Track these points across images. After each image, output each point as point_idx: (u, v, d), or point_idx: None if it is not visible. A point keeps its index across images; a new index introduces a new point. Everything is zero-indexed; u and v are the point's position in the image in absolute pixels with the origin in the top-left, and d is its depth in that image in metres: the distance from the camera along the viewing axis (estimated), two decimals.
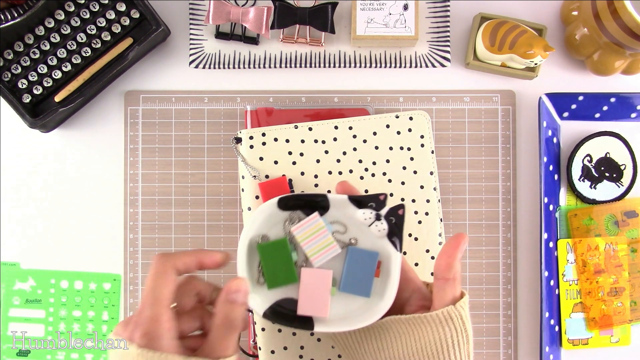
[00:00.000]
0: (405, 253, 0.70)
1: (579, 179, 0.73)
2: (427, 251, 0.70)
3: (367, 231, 0.57)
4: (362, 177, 0.70)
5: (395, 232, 0.56)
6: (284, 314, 0.56)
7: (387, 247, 0.56)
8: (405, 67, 0.73)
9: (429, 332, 0.51)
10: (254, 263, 0.57)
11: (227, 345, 0.49)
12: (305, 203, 0.57)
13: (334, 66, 0.73)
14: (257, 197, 0.69)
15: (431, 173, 0.70)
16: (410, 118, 0.71)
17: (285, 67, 0.73)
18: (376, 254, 0.56)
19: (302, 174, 0.69)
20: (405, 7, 0.71)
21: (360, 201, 0.56)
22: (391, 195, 0.70)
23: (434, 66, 0.73)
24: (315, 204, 0.57)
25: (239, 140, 0.70)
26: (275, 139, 0.70)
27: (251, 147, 0.70)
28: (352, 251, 0.57)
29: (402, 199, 0.70)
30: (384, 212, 0.56)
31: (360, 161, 0.70)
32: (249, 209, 0.69)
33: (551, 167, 0.72)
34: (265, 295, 0.56)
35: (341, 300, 0.57)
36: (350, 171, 0.70)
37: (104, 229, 0.74)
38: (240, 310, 0.51)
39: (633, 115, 0.74)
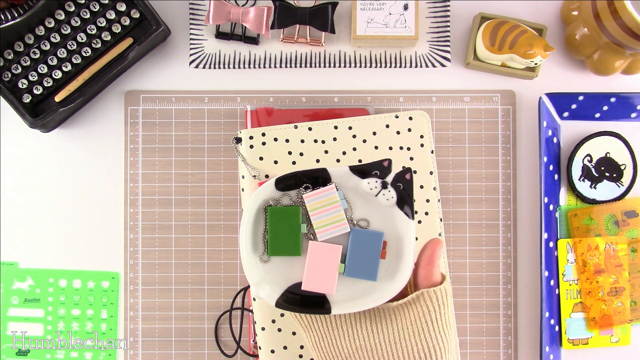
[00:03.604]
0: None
1: (579, 179, 0.73)
2: None
3: (376, 203, 0.54)
4: None
5: (405, 199, 0.53)
6: (297, 299, 0.54)
7: (399, 218, 0.53)
8: (405, 67, 0.73)
9: (417, 315, 0.50)
10: (259, 238, 0.55)
11: None
12: (305, 180, 0.55)
13: (334, 66, 0.73)
14: None
15: (431, 173, 0.70)
16: (410, 118, 0.71)
17: (285, 67, 0.73)
18: (381, 234, 0.54)
19: None
20: (405, 7, 0.71)
21: (363, 171, 0.54)
22: None
23: (434, 66, 0.73)
24: (316, 179, 0.55)
25: (239, 140, 0.70)
26: (275, 139, 0.70)
27: (251, 147, 0.70)
28: (355, 233, 0.54)
29: None
30: (390, 178, 0.53)
31: (360, 161, 0.70)
32: None
33: (551, 167, 0.72)
34: (275, 284, 0.54)
35: (347, 280, 0.54)
36: None
37: (103, 228, 0.74)
38: None
39: (633, 115, 0.73)
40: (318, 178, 0.55)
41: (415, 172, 0.70)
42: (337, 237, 0.54)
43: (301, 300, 0.53)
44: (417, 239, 0.69)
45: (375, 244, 0.53)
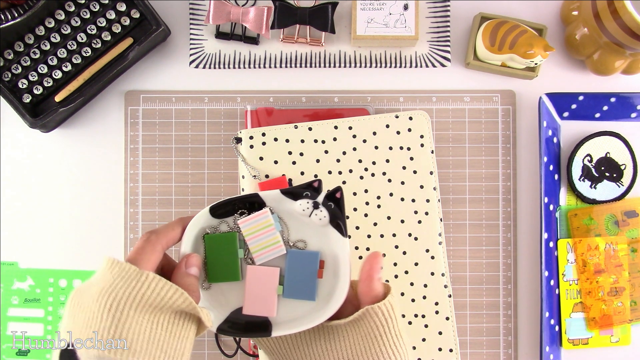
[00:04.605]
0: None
1: (579, 179, 0.73)
2: (427, 251, 0.70)
3: (310, 224, 0.54)
4: (361, 177, 0.70)
5: (337, 217, 0.53)
6: (241, 324, 0.54)
7: (333, 237, 0.54)
8: (405, 67, 0.73)
9: (367, 331, 0.51)
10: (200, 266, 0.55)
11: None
12: (241, 206, 0.55)
13: (334, 66, 0.73)
14: None
15: (431, 173, 0.70)
16: (410, 118, 0.71)
17: (285, 67, 0.73)
18: (316, 253, 0.54)
19: (302, 173, 0.69)
20: (406, 7, 0.71)
21: (294, 193, 0.54)
22: (391, 195, 0.70)
23: (434, 66, 0.73)
24: (252, 204, 0.55)
25: (239, 140, 0.70)
26: (275, 139, 0.70)
27: (251, 147, 0.70)
28: (291, 254, 0.54)
29: (402, 199, 0.70)
30: (321, 198, 0.53)
31: (360, 161, 0.70)
32: None
33: (551, 167, 0.72)
34: (218, 310, 0.54)
35: (291, 301, 0.55)
36: (350, 171, 0.70)
37: (103, 228, 0.74)
38: (195, 280, 0.52)
39: (633, 115, 0.73)
40: (254, 203, 0.55)
41: (415, 172, 0.70)
42: (275, 259, 0.55)
43: (245, 325, 0.54)
44: (416, 239, 0.70)
45: (311, 264, 0.54)
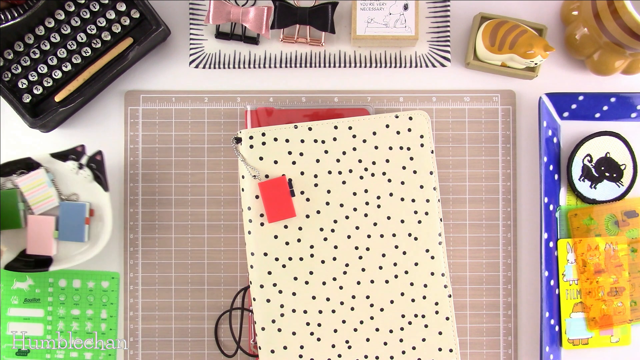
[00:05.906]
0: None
1: (579, 179, 0.73)
2: (427, 251, 0.70)
3: (80, 181, 0.69)
4: (361, 177, 0.70)
5: (98, 175, 0.69)
6: (30, 262, 0.69)
7: (98, 191, 0.69)
8: (405, 67, 0.73)
9: None
10: None
11: None
12: (21, 167, 0.69)
13: (334, 66, 0.73)
14: (257, 197, 0.69)
15: (431, 173, 0.70)
16: (410, 118, 0.71)
17: (285, 67, 0.73)
18: (83, 205, 0.70)
19: (302, 173, 0.69)
20: (405, 7, 0.71)
21: (62, 155, 0.69)
22: (391, 195, 0.70)
23: (434, 66, 0.73)
24: (30, 165, 0.69)
25: (239, 140, 0.70)
26: (275, 139, 0.70)
27: (251, 147, 0.70)
28: (63, 206, 0.70)
29: (402, 199, 0.70)
30: (84, 161, 0.68)
31: (360, 161, 0.70)
32: (249, 208, 0.69)
33: (551, 167, 0.72)
34: (11, 251, 0.69)
35: (67, 243, 0.70)
36: (350, 171, 0.70)
37: None
38: None
39: (633, 115, 0.73)
40: (32, 164, 0.69)
41: (415, 172, 0.70)
42: (52, 210, 0.70)
43: (34, 262, 0.70)
44: (416, 239, 0.70)
45: (80, 213, 0.70)
